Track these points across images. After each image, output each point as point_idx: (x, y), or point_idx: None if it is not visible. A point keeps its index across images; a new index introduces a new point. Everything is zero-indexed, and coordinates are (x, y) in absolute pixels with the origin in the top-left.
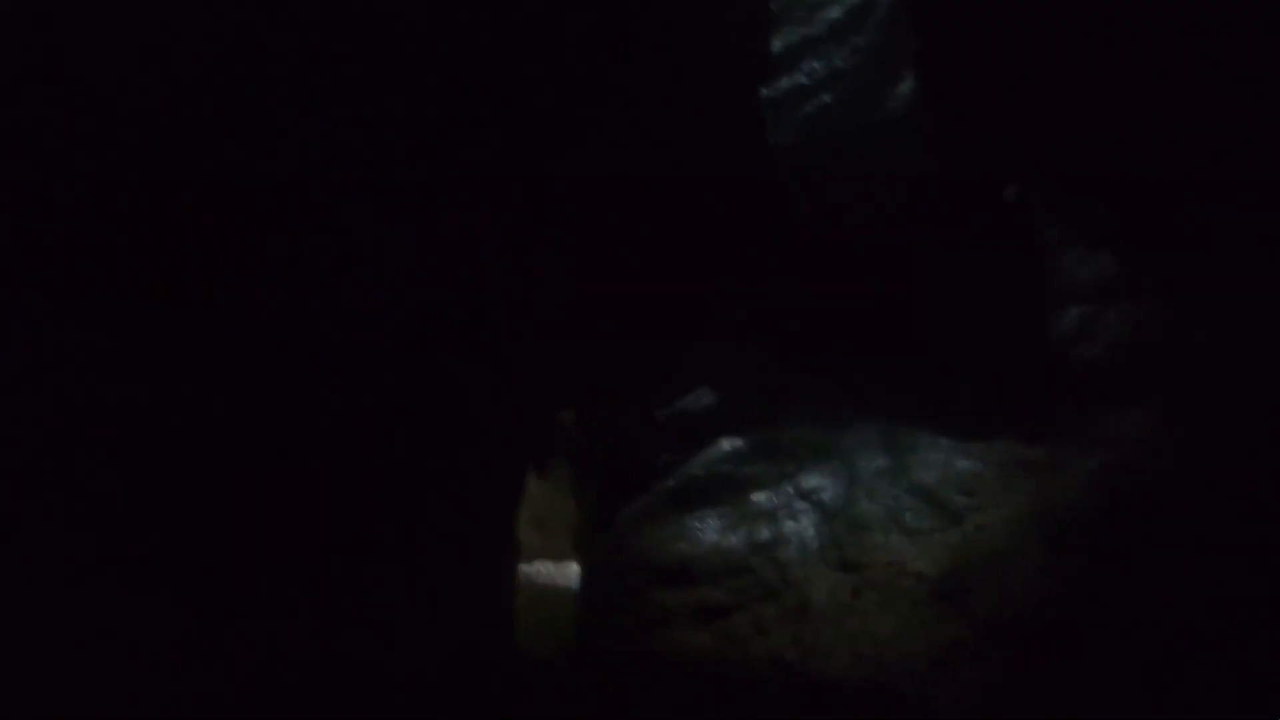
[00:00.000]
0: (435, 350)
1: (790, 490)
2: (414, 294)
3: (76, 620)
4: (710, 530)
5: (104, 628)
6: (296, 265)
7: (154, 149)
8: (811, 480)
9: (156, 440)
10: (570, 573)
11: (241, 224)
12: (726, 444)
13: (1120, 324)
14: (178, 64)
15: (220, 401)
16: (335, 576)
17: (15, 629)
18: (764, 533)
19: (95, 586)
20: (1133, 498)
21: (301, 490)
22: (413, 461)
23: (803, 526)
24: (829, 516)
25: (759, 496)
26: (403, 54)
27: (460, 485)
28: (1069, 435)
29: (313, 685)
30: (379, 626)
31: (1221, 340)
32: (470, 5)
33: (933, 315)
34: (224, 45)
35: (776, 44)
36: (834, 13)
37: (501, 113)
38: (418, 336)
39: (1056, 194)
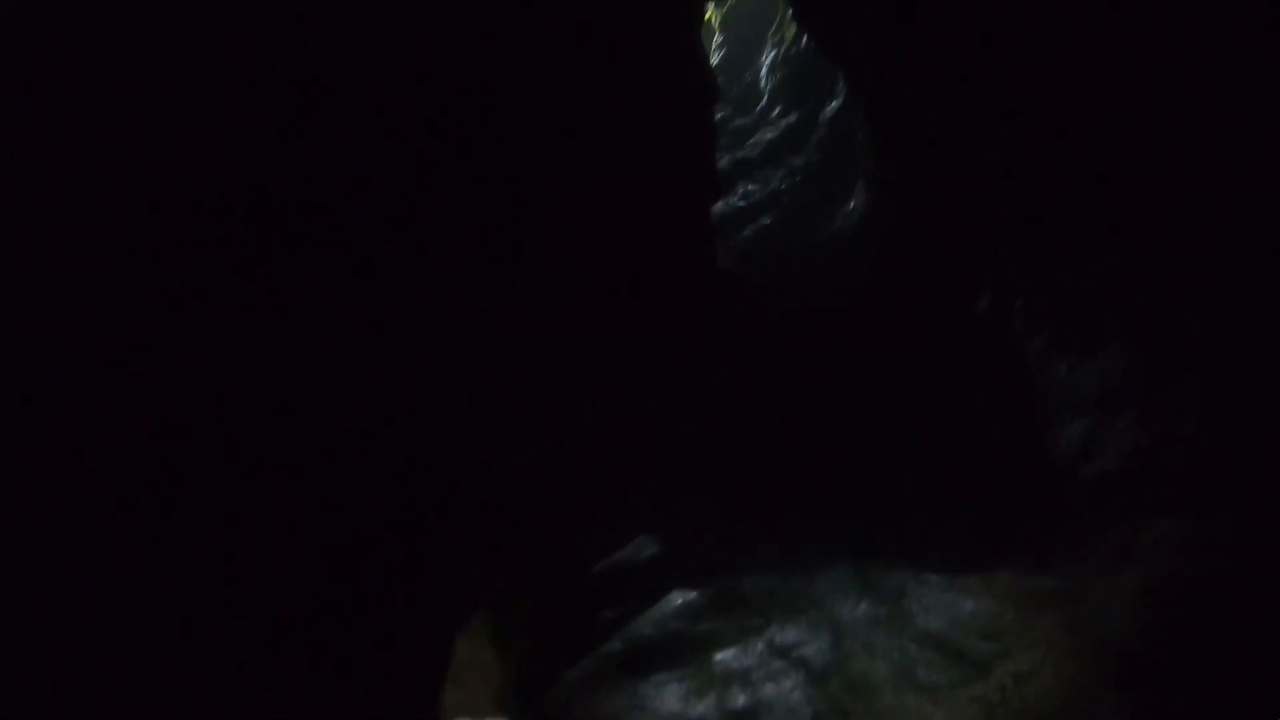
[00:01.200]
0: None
1: (761, 647)
2: (414, 302)
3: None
4: (670, 697)
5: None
6: (295, 271)
7: (152, 153)
8: (787, 635)
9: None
10: None
11: (242, 230)
12: (678, 597)
13: (1135, 431)
14: (176, 67)
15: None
16: None
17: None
18: (738, 699)
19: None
20: (1185, 614)
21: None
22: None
23: (786, 690)
24: (818, 677)
25: (724, 656)
26: (402, 56)
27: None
28: (1081, 557)
29: None
30: None
31: (1244, 433)
32: (470, 6)
33: (896, 441)
34: (221, 48)
35: None
36: (769, 135)
37: (501, 115)
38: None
39: (1037, 299)
